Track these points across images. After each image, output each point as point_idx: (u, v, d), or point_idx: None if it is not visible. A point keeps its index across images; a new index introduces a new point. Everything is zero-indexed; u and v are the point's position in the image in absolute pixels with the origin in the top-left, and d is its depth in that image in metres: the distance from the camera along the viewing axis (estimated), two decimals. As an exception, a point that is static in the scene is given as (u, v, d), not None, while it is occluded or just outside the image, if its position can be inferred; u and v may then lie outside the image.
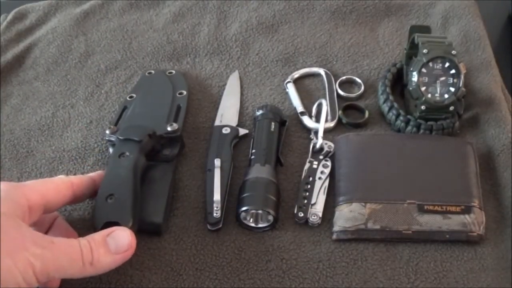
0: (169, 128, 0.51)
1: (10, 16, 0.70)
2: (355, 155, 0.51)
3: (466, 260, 0.46)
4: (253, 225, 0.48)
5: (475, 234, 0.46)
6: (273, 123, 0.54)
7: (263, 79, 0.61)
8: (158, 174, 0.50)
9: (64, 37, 0.67)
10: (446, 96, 0.52)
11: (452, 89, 0.52)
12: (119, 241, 0.41)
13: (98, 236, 0.41)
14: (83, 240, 0.40)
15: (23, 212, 0.40)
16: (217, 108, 0.57)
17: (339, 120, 0.56)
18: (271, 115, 0.54)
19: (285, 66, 0.62)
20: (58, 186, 0.44)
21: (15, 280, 0.35)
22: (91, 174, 0.48)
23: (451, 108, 0.52)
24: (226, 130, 0.54)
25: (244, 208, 0.47)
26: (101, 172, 0.48)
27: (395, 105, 0.55)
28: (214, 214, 0.47)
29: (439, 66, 0.52)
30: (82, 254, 0.39)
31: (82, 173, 0.52)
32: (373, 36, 0.66)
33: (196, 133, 0.55)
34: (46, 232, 0.44)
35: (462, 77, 0.52)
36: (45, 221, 0.45)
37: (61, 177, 0.46)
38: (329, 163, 0.51)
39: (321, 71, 0.61)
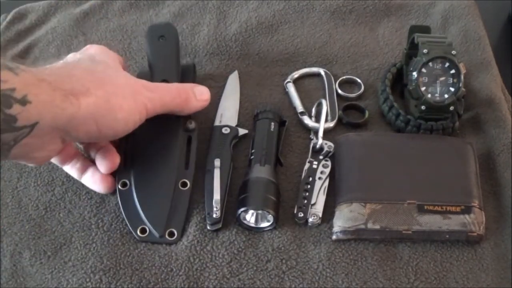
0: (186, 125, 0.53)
1: (10, 16, 0.70)
2: (355, 155, 0.51)
3: (466, 260, 0.46)
4: (253, 225, 0.48)
5: (475, 234, 0.46)
6: (273, 123, 0.54)
7: (263, 79, 0.61)
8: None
9: (63, 37, 0.67)
10: (446, 96, 0.52)
11: (452, 89, 0.52)
12: (202, 91, 0.52)
13: (187, 85, 0.52)
14: (175, 85, 0.51)
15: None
16: (216, 108, 0.57)
17: (339, 120, 0.56)
18: (271, 115, 0.54)
19: (285, 66, 0.62)
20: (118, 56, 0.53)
21: (134, 119, 0.45)
22: None
23: (451, 108, 0.52)
24: (225, 130, 0.54)
25: (244, 208, 0.47)
26: None
27: (395, 105, 0.55)
28: (214, 214, 0.47)
29: (439, 66, 0.52)
30: (180, 95, 0.50)
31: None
32: (373, 36, 0.66)
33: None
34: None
35: (462, 77, 0.52)
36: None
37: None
38: (329, 163, 0.51)
39: (321, 71, 0.61)
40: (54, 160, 0.50)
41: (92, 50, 0.49)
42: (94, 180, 0.49)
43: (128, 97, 0.45)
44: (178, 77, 0.55)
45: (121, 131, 0.46)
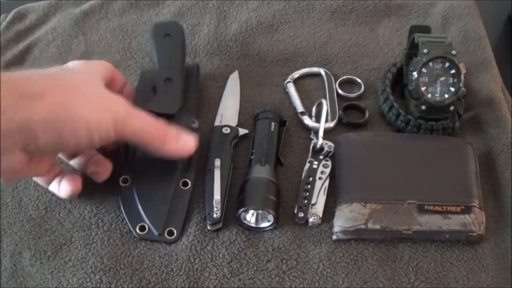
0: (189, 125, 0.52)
1: (10, 16, 0.70)
2: (355, 155, 0.51)
3: (466, 260, 0.46)
4: (253, 225, 0.48)
5: (475, 234, 0.46)
6: (273, 123, 0.54)
7: (263, 79, 0.61)
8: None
9: (64, 37, 0.67)
10: (446, 96, 0.52)
11: (452, 89, 0.52)
12: (187, 140, 0.47)
13: (175, 127, 0.47)
14: (164, 123, 0.46)
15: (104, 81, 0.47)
16: (217, 108, 0.57)
17: (339, 120, 0.56)
18: (271, 115, 0.54)
19: (285, 66, 0.62)
20: (106, 65, 0.50)
21: (99, 132, 0.41)
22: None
23: (451, 108, 0.52)
24: (226, 130, 0.54)
25: (244, 208, 0.47)
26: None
27: (395, 105, 0.55)
28: (214, 214, 0.47)
29: (439, 66, 0.52)
30: (158, 130, 0.46)
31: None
32: (373, 36, 0.66)
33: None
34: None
35: (462, 77, 0.52)
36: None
37: (103, 61, 0.52)
38: (329, 163, 0.51)
39: (321, 71, 0.61)
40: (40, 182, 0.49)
41: (73, 64, 0.47)
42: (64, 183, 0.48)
43: (94, 107, 0.41)
44: (183, 77, 0.54)
45: (84, 144, 0.42)
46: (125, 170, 0.50)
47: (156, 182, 0.49)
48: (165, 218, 0.48)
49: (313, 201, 0.49)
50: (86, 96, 0.41)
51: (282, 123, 0.55)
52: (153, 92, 0.53)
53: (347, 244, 0.47)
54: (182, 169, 0.50)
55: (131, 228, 0.48)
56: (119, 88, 0.52)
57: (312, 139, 0.54)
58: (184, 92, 0.54)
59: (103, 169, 0.48)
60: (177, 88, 0.53)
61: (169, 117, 0.51)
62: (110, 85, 0.49)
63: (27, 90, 0.38)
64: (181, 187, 0.50)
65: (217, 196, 0.48)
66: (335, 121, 0.56)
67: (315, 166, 0.51)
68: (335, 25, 0.67)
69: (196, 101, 0.57)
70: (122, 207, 0.49)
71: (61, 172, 0.48)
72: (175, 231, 0.47)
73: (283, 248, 0.47)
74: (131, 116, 0.44)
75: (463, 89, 0.53)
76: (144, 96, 0.54)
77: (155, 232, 0.47)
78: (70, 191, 0.47)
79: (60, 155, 0.50)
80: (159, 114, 0.52)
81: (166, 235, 0.47)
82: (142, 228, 0.47)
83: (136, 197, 0.48)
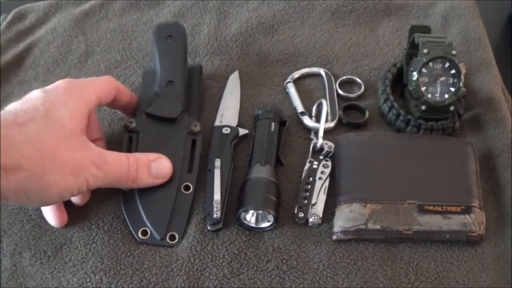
0: (191, 128, 0.52)
1: (10, 16, 0.70)
2: (355, 155, 0.51)
3: (466, 260, 0.46)
4: (253, 225, 0.48)
5: (475, 234, 0.46)
6: (273, 123, 0.54)
7: (263, 79, 0.61)
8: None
9: (64, 37, 0.67)
10: (446, 96, 0.52)
11: (452, 89, 0.52)
12: (161, 168, 0.48)
13: (144, 158, 0.47)
14: (132, 159, 0.46)
15: (86, 119, 0.45)
16: (217, 108, 0.57)
17: (339, 120, 0.56)
18: (271, 115, 0.54)
19: (285, 66, 0.62)
20: (109, 85, 0.49)
21: (71, 193, 0.43)
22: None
23: (451, 108, 0.52)
24: (226, 130, 0.54)
25: (244, 208, 0.47)
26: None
27: (395, 105, 0.55)
28: (214, 215, 0.47)
29: (439, 66, 0.52)
30: (129, 173, 0.46)
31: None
32: (373, 36, 0.66)
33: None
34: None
35: (462, 77, 0.52)
36: None
37: (109, 77, 0.51)
38: (329, 163, 0.51)
39: (321, 71, 0.61)
40: None
41: (60, 89, 0.45)
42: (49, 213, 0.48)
43: (68, 174, 0.41)
44: (185, 78, 0.54)
45: (54, 202, 0.46)
46: None
47: (158, 186, 0.49)
48: (167, 222, 0.47)
49: (313, 201, 0.49)
50: (61, 163, 0.41)
51: (282, 123, 0.55)
52: (156, 95, 0.53)
53: (347, 244, 0.47)
54: (184, 173, 0.50)
55: (133, 233, 0.47)
56: (125, 101, 0.52)
57: (312, 139, 0.54)
58: (186, 95, 0.54)
59: (58, 218, 0.48)
60: (179, 92, 0.53)
61: (171, 121, 0.51)
62: (115, 101, 0.50)
63: (6, 163, 0.38)
64: (183, 191, 0.49)
65: (217, 196, 0.48)
66: (335, 121, 0.56)
67: (315, 166, 0.51)
68: (335, 25, 0.67)
69: (198, 103, 0.57)
70: (124, 211, 0.49)
71: None
72: (176, 236, 0.47)
73: (283, 248, 0.47)
74: (104, 171, 0.44)
75: (463, 89, 0.53)
76: (147, 99, 0.54)
77: (157, 237, 0.47)
78: (57, 223, 0.48)
79: None
80: (160, 118, 0.52)
81: (168, 239, 0.47)
82: (144, 233, 0.47)
83: (138, 201, 0.48)
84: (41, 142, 0.41)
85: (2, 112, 0.41)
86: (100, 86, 0.48)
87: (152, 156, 0.48)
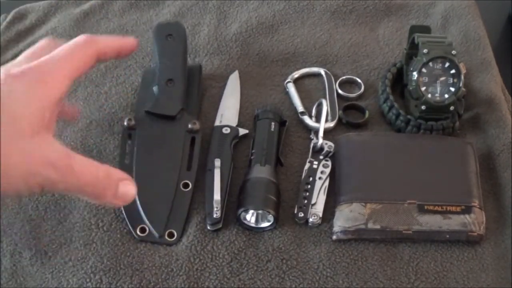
0: (190, 126, 0.52)
1: (10, 16, 0.70)
2: (355, 155, 0.51)
3: (466, 260, 0.46)
4: (253, 225, 0.48)
5: (475, 234, 0.46)
6: (273, 123, 0.54)
7: (263, 79, 0.61)
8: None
9: (64, 37, 0.67)
10: (446, 96, 0.52)
11: (452, 89, 0.52)
12: (127, 191, 0.42)
13: (115, 176, 0.41)
14: (102, 173, 0.40)
15: (53, 112, 0.39)
16: (217, 108, 0.57)
17: (339, 120, 0.56)
18: (271, 115, 0.54)
19: (285, 66, 0.62)
20: (84, 55, 0.42)
21: (19, 195, 0.38)
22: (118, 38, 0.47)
23: (451, 108, 0.52)
24: (226, 130, 0.54)
25: (244, 208, 0.47)
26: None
27: (395, 105, 0.55)
28: (214, 214, 0.47)
29: (439, 66, 0.52)
30: (95, 187, 0.40)
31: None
32: (373, 36, 0.66)
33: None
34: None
35: (462, 77, 0.52)
36: None
37: (84, 41, 0.43)
38: (329, 163, 0.51)
39: (321, 71, 0.61)
40: None
41: (24, 77, 0.38)
42: None
43: (17, 179, 0.36)
44: (185, 78, 0.55)
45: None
46: (125, 172, 0.50)
47: (157, 183, 0.49)
48: (166, 220, 0.48)
49: (313, 201, 0.49)
50: (9, 169, 0.36)
51: (282, 123, 0.55)
52: (155, 93, 0.53)
53: (347, 244, 0.47)
54: (183, 171, 0.50)
55: (132, 230, 0.47)
56: (113, 55, 0.45)
57: (312, 139, 0.54)
58: (185, 93, 0.54)
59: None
60: (178, 90, 0.53)
61: (170, 119, 0.52)
62: (99, 61, 0.44)
63: None
64: (182, 188, 0.50)
65: (217, 196, 0.48)
66: (335, 121, 0.56)
67: (315, 166, 0.51)
68: (335, 25, 0.67)
69: (198, 102, 0.57)
70: (122, 209, 0.49)
71: None
72: (175, 233, 0.47)
73: (283, 248, 0.47)
74: (64, 176, 0.38)
75: (463, 89, 0.53)
76: (146, 97, 0.54)
77: (156, 234, 0.47)
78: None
79: None
80: (159, 116, 0.52)
81: (166, 237, 0.47)
82: (143, 230, 0.47)
83: (136, 198, 0.48)
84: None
85: None
86: (73, 63, 0.42)
87: (123, 175, 0.42)
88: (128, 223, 0.48)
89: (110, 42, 0.45)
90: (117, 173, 0.42)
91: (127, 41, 0.47)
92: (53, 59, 0.41)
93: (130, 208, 0.48)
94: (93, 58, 0.43)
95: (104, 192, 0.40)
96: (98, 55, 0.43)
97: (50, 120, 0.39)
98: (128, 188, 0.42)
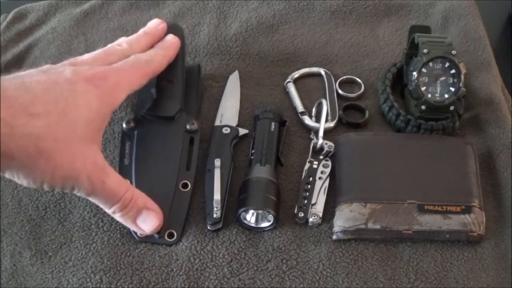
0: (188, 127, 0.52)
1: (10, 16, 0.70)
2: (355, 155, 0.51)
3: (466, 260, 0.46)
4: (253, 225, 0.48)
5: (475, 234, 0.46)
6: (273, 123, 0.54)
7: (263, 79, 0.61)
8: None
9: (64, 37, 0.67)
10: (446, 96, 0.52)
11: (452, 89, 0.52)
12: (148, 220, 0.44)
13: (142, 201, 0.44)
14: (129, 194, 0.42)
15: (105, 124, 0.42)
16: (217, 108, 0.57)
17: (339, 120, 0.56)
18: (271, 115, 0.54)
19: (285, 66, 0.62)
20: (141, 78, 0.45)
21: (53, 189, 0.40)
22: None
23: (451, 108, 0.52)
24: (226, 130, 0.54)
25: (244, 208, 0.47)
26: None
27: (395, 105, 0.55)
28: (214, 214, 0.47)
29: (439, 66, 0.52)
30: (118, 204, 0.42)
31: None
32: (373, 36, 0.66)
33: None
34: None
35: (462, 77, 0.52)
36: None
37: (143, 65, 0.46)
38: (329, 163, 0.51)
39: (321, 71, 0.61)
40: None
41: (90, 87, 0.40)
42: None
43: (56, 178, 0.39)
44: (183, 78, 0.55)
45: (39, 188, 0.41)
46: (125, 173, 0.50)
47: (156, 184, 0.49)
48: (166, 220, 0.48)
49: (313, 201, 0.49)
50: (54, 168, 0.38)
51: (282, 123, 0.55)
52: (154, 94, 0.53)
53: (347, 244, 0.47)
54: (182, 171, 0.50)
55: (131, 230, 0.47)
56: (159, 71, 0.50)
57: (312, 139, 0.54)
58: (184, 94, 0.54)
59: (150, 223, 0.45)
60: (176, 91, 0.53)
61: (168, 119, 0.52)
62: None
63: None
64: (181, 189, 0.50)
65: (217, 196, 0.48)
66: (335, 121, 0.56)
67: (315, 166, 0.51)
68: (335, 25, 0.67)
69: (197, 102, 0.57)
70: None
71: None
72: (175, 233, 0.47)
73: (283, 248, 0.47)
74: (94, 188, 0.41)
75: (463, 89, 0.53)
76: (145, 99, 0.54)
77: (156, 235, 0.47)
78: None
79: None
80: (158, 117, 0.52)
81: (166, 237, 0.47)
82: None
83: None
84: (44, 141, 0.37)
85: (20, 83, 0.38)
86: (132, 83, 0.44)
87: (149, 203, 0.45)
88: None
89: (160, 67, 0.49)
90: (146, 201, 0.45)
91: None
92: (117, 75, 0.43)
93: None
94: (145, 80, 0.47)
95: (125, 213, 0.43)
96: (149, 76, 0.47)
97: (100, 132, 0.41)
98: (150, 218, 0.44)
